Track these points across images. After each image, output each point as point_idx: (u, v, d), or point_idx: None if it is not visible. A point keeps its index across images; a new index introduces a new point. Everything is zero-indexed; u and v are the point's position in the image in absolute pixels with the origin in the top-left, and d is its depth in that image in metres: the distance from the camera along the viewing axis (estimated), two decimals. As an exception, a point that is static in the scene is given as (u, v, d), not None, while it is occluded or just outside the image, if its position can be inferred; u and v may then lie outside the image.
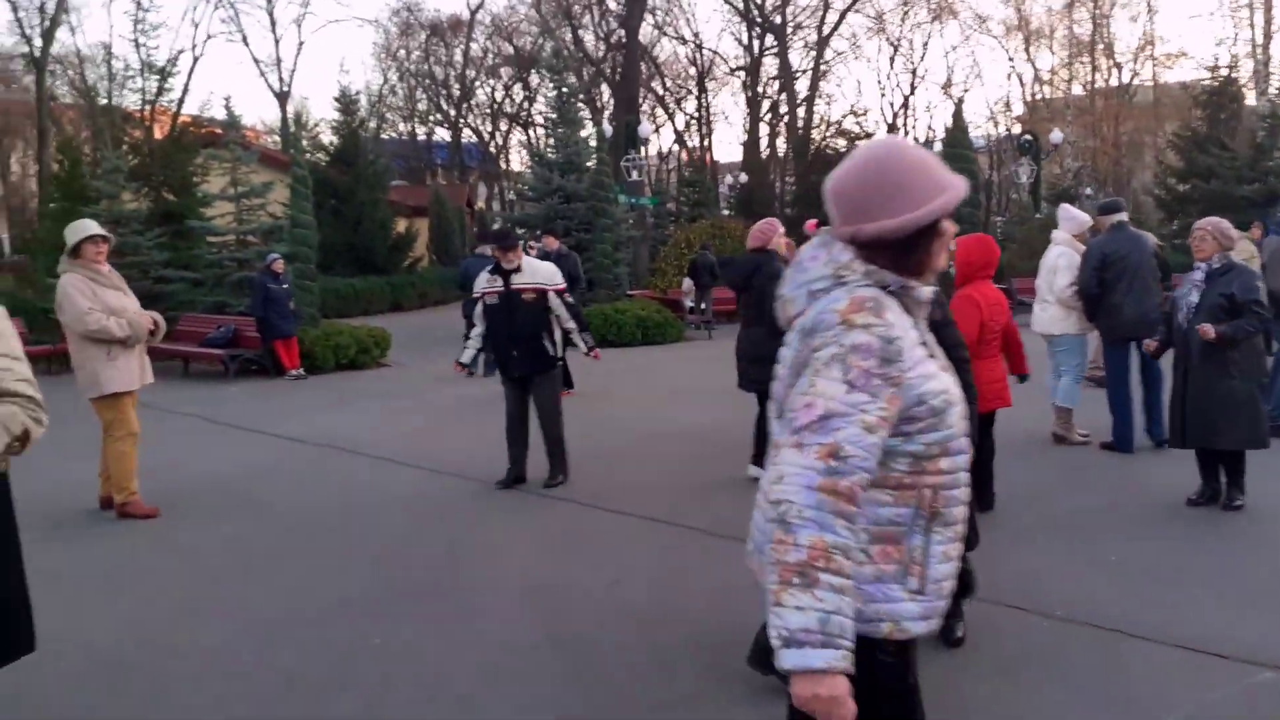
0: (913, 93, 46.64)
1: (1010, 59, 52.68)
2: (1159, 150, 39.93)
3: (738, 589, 4.13)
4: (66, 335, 5.74)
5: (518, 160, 57.55)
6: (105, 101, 35.95)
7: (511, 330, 6.21)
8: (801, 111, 42.32)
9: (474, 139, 53.30)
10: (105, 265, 5.77)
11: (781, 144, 47.44)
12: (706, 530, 5.16)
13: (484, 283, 6.30)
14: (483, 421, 8.95)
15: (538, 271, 6.26)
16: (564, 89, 17.80)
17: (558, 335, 6.31)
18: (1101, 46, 42.53)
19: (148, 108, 34.38)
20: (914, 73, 45.94)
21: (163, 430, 8.81)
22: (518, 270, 6.17)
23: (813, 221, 8.93)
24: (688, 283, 18.34)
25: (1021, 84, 45.79)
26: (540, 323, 6.22)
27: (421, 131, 52.51)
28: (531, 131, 53.07)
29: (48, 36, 33.84)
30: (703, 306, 17.83)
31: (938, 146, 33.51)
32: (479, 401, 10.21)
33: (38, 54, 33.90)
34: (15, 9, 36.83)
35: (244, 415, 9.44)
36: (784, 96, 43.54)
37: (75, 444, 8.03)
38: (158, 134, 25.46)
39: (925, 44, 63.90)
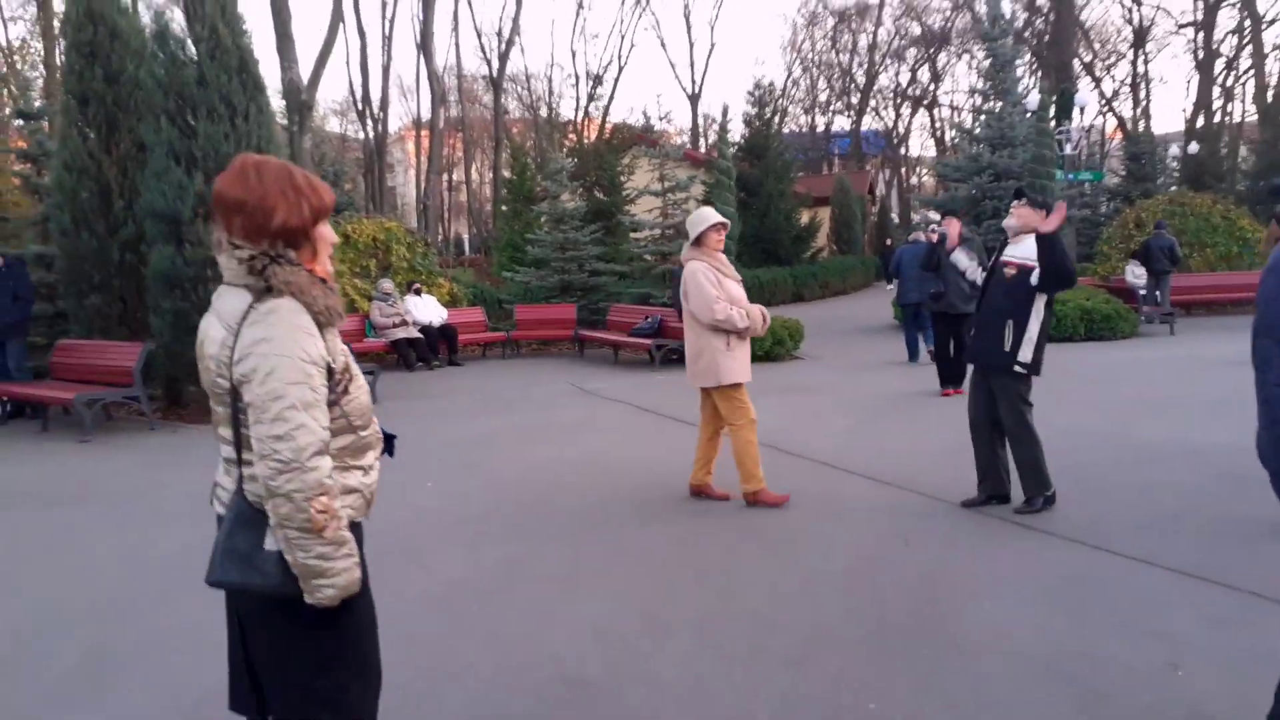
0: None
1: None
2: None
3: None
4: (686, 323, 5.76)
5: (918, 145, 55.14)
6: (545, 113, 40.20)
7: (981, 308, 5.36)
8: (1273, 68, 35.37)
9: (874, 126, 51.91)
10: (723, 254, 5.77)
11: (1237, 108, 40.31)
12: (1267, 596, 3.88)
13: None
14: (915, 424, 8.09)
15: (1029, 244, 5.15)
16: (999, 55, 16.09)
17: (1032, 331, 5.13)
18: None
19: (582, 115, 37.81)
20: None
21: (603, 417, 9.09)
22: (1016, 241, 5.27)
23: None
24: (1134, 268, 15.82)
25: None
26: (1008, 307, 5.15)
27: (821, 122, 52.25)
28: (937, 113, 50.55)
29: (503, 58, 38.40)
30: (1158, 296, 15.25)
31: None
32: (904, 399, 9.35)
33: (495, 74, 38.56)
34: (479, 35, 42.62)
35: (671, 404, 9.44)
36: (1246, 52, 36.73)
37: (530, 428, 8.54)
38: (590, 139, 27.67)
39: None
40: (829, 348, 14.10)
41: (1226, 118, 39.56)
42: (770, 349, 12.74)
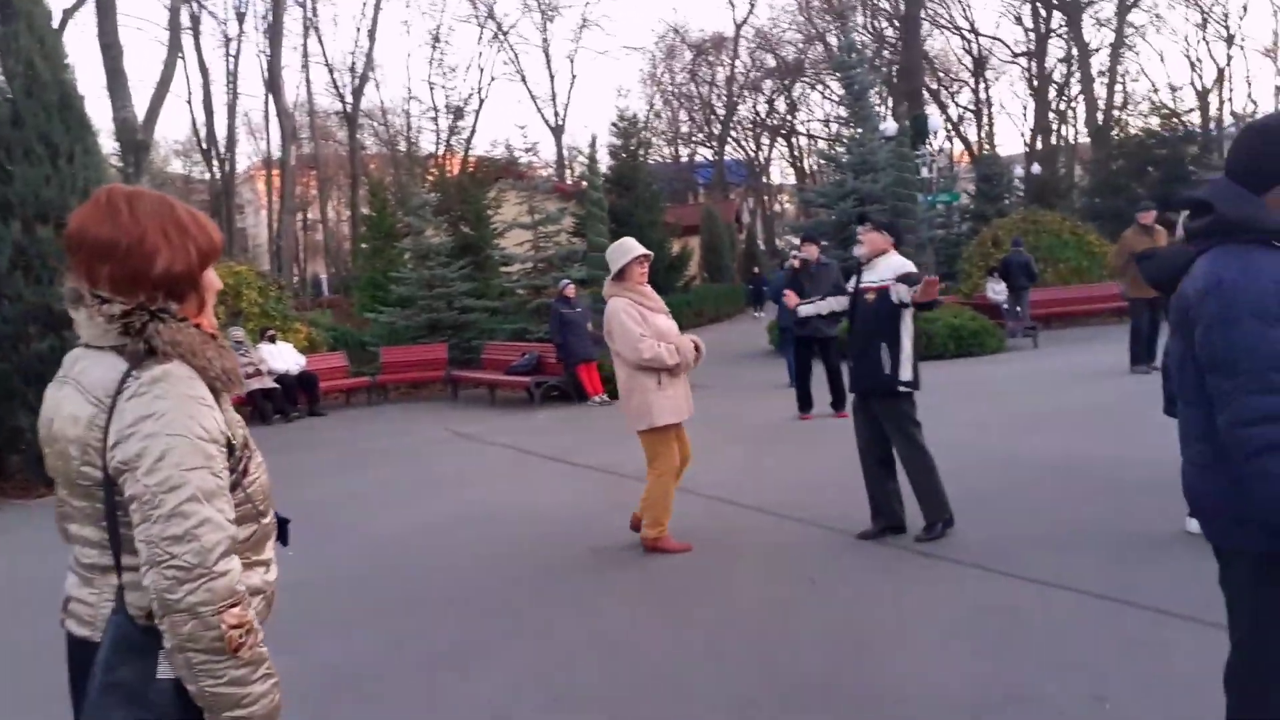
0: (1229, 62, 40.82)
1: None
2: None
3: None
4: (615, 363, 5.42)
5: (779, 174, 56.82)
6: (405, 147, 39.36)
7: (852, 336, 5.30)
8: (1100, 93, 38.06)
9: (736, 156, 53.15)
10: (648, 287, 5.44)
11: (1070, 131, 43.20)
12: (1175, 613, 3.81)
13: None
14: (806, 451, 7.98)
15: (883, 268, 5.16)
16: (856, 83, 16.56)
17: (906, 350, 5.06)
18: None
19: (443, 148, 37.14)
20: (1229, 40, 40.15)
21: (484, 464, 8.61)
22: (869, 266, 5.24)
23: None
24: (995, 284, 16.48)
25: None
26: (877, 329, 5.09)
27: (684, 153, 53.10)
28: (795, 142, 52.16)
29: (357, 93, 37.41)
30: (1018, 310, 15.89)
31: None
32: (792, 426, 9.27)
33: (349, 109, 37.48)
34: (331, 71, 41.39)
35: (557, 445, 9.06)
36: (1076, 79, 39.51)
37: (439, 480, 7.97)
38: (452, 173, 27.11)
39: (1245, 4, 56.15)
40: (712, 375, 13.95)
41: (1062, 140, 42.27)
42: (653, 380, 12.49)
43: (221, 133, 36.79)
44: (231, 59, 35.65)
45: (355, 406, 14.04)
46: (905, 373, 5.05)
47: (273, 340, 13.27)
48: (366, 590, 5.06)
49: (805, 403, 9.60)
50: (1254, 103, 42.05)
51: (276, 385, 12.61)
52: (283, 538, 1.92)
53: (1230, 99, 42.78)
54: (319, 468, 8.96)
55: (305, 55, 37.92)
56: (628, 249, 5.35)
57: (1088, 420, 8.10)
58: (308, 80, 40.09)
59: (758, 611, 4.30)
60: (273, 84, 25.75)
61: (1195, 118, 35.64)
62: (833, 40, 41.61)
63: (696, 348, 5.41)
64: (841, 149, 17.51)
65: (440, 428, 11.00)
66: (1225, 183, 2.07)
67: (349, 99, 37.91)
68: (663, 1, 68.89)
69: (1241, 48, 42.27)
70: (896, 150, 15.40)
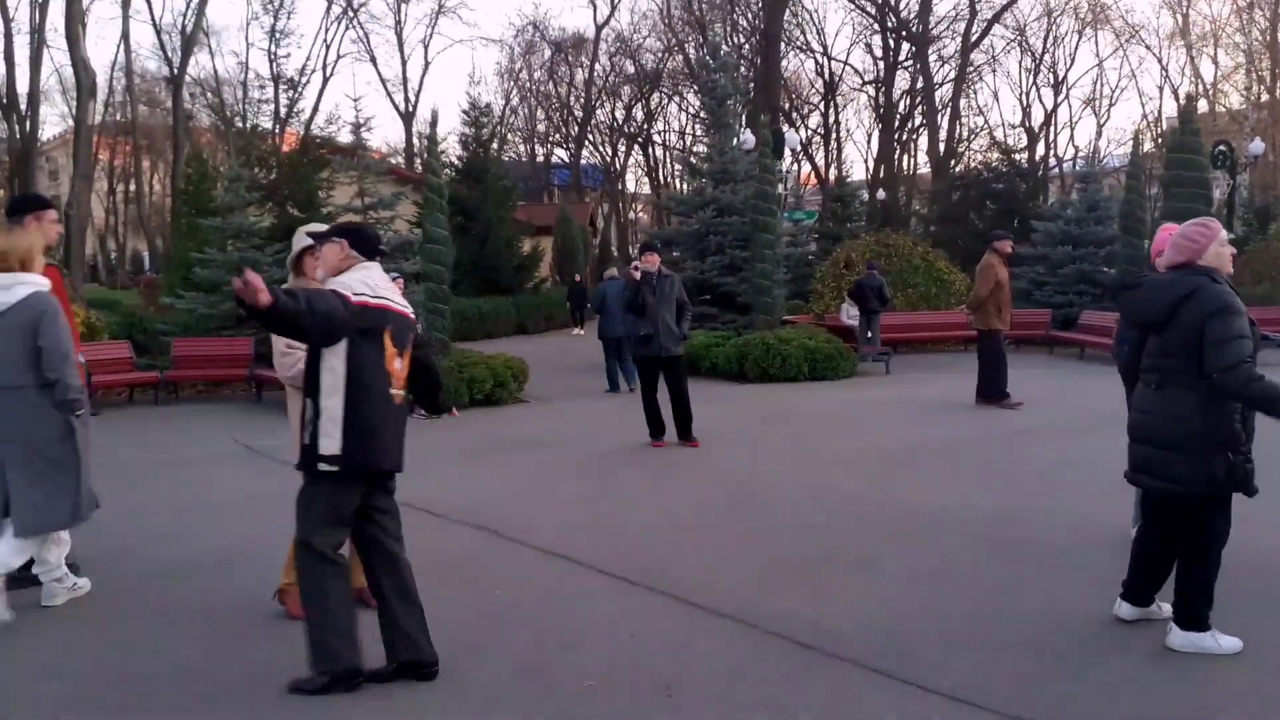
0: (1056, 108, 43.19)
1: (1164, 69, 49.13)
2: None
3: None
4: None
5: (633, 182, 56.35)
6: (240, 122, 36.28)
7: None
8: (944, 124, 39.50)
9: (593, 159, 52.31)
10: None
11: (910, 161, 44.71)
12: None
13: None
14: (657, 487, 6.94)
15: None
16: (719, 89, 15.85)
17: (330, 410, 3.35)
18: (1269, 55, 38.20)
19: (279, 126, 34.41)
20: (1057, 86, 42.53)
21: (265, 490, 7.13)
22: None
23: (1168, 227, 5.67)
24: (849, 308, 16.16)
25: (1176, 97, 41.60)
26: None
27: (540, 152, 51.82)
28: (651, 150, 51.74)
29: (185, 53, 34.10)
30: (869, 335, 15.58)
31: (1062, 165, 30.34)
32: (639, 453, 8.23)
33: (175, 73, 34.19)
34: (159, 32, 37.75)
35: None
36: (921, 109, 40.82)
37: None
38: (287, 150, 24.87)
39: (1072, 55, 59.93)
40: (555, 387, 12.87)
41: (903, 170, 43.64)
42: (491, 392, 11.25)
43: (25, 88, 32.75)
44: (38, 9, 31.74)
45: (140, 405, 12.09)
46: (329, 443, 3.33)
47: (35, 324, 11.18)
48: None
49: (656, 428, 8.59)
50: (1075, 147, 44.79)
51: (34, 378, 10.56)
52: None
53: (1055, 142, 45.33)
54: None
55: (126, 11, 34.32)
56: (301, 238, 4.03)
57: (956, 461, 7.46)
58: (125, 40, 35.99)
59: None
60: (69, 31, 22.67)
61: (1025, 157, 37.57)
62: (692, 52, 41.45)
63: None
64: (698, 158, 16.80)
65: (229, 438, 9.35)
66: None
67: (175, 61, 34.60)
68: (524, -4, 67.19)
69: (1067, 96, 44.42)
70: (758, 162, 14.72)
